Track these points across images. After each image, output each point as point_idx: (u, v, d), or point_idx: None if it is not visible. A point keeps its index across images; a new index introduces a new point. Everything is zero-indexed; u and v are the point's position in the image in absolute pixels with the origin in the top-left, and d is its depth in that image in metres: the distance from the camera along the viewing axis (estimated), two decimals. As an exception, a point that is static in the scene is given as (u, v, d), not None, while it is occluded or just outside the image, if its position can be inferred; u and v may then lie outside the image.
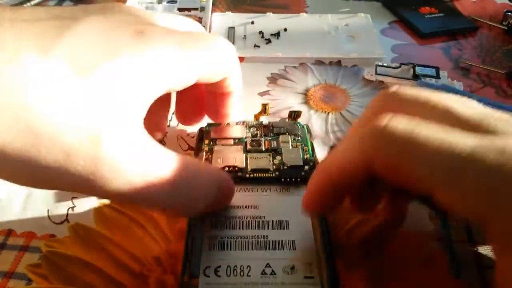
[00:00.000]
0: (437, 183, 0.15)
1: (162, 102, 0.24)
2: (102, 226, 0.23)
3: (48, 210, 0.25)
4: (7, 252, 0.23)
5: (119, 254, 0.22)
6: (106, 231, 0.23)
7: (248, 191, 0.23)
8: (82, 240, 0.23)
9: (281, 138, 0.25)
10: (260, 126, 0.27)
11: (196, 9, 0.43)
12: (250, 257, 0.19)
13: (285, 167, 0.23)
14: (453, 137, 0.15)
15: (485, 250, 0.22)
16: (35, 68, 0.14)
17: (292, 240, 0.20)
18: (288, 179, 0.23)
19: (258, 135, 0.26)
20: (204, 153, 0.24)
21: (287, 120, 0.28)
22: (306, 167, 0.23)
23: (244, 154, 0.24)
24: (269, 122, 0.27)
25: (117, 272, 0.21)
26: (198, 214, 0.20)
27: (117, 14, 0.18)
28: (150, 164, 0.17)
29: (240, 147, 0.25)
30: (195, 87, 0.21)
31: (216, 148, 0.25)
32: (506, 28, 0.42)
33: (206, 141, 0.25)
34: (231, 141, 0.25)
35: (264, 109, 0.28)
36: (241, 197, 0.22)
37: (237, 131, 0.26)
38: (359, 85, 0.35)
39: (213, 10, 0.44)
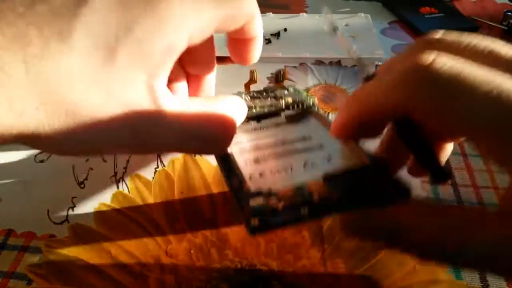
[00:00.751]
0: (483, 131, 0.14)
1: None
2: (102, 226, 0.23)
3: (48, 210, 0.25)
4: (7, 252, 0.23)
5: (119, 254, 0.22)
6: (106, 231, 0.23)
7: (261, 129, 0.23)
8: (82, 240, 0.23)
9: (277, 91, 0.26)
10: (254, 92, 0.27)
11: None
12: (287, 161, 0.20)
13: (288, 101, 0.25)
14: (503, 81, 0.13)
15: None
16: (63, 58, 0.15)
17: (319, 144, 0.21)
18: (295, 107, 0.24)
19: (255, 95, 0.26)
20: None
21: (272, 84, 0.28)
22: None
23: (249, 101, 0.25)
24: (261, 90, 0.27)
25: (117, 272, 0.21)
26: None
27: None
28: (188, 127, 0.18)
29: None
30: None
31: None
32: (506, 28, 0.42)
33: None
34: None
35: (253, 76, 0.28)
36: (256, 133, 0.23)
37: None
38: (359, 85, 0.35)
39: (213, 10, 0.44)
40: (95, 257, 0.22)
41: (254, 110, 0.24)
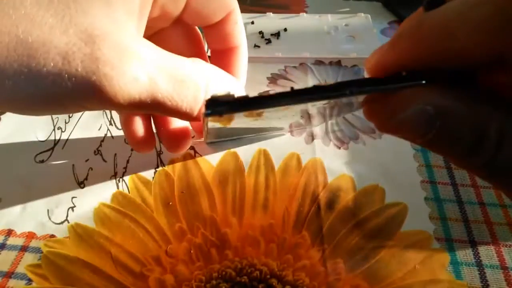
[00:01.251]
0: None
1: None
2: (102, 226, 0.23)
3: (48, 210, 0.25)
4: (7, 252, 0.23)
5: (119, 254, 0.22)
6: (106, 231, 0.23)
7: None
8: (82, 240, 0.23)
9: None
10: None
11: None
12: None
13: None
14: None
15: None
16: None
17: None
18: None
19: None
20: None
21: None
22: None
23: None
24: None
25: (117, 272, 0.21)
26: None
27: None
28: (155, 61, 0.17)
29: None
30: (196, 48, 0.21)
31: None
32: (506, 28, 0.42)
33: None
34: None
35: None
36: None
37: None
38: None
39: (213, 10, 0.44)
40: (95, 257, 0.22)
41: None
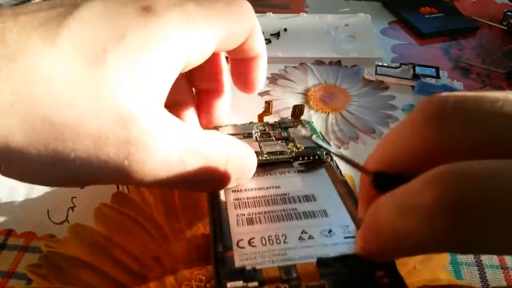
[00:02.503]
0: None
1: (183, 81, 0.24)
2: (102, 226, 0.23)
3: (48, 210, 0.25)
4: (7, 252, 0.23)
5: (119, 254, 0.22)
6: (106, 231, 0.23)
7: (266, 175, 0.22)
8: (82, 240, 0.23)
9: (290, 130, 0.25)
10: (267, 124, 0.26)
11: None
12: (284, 227, 0.18)
13: (300, 149, 0.23)
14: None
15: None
16: (42, 60, 0.14)
17: (323, 210, 0.19)
18: (306, 158, 0.22)
19: (267, 130, 0.26)
20: None
21: (290, 117, 0.28)
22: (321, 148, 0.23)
23: (257, 143, 0.24)
24: (275, 122, 0.27)
25: (117, 272, 0.21)
26: (225, 187, 0.20)
27: None
28: (183, 141, 0.17)
29: (251, 138, 0.24)
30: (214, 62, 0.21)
31: None
32: (506, 28, 0.42)
33: None
34: (241, 136, 0.25)
35: (268, 107, 0.28)
36: (260, 180, 0.22)
37: (246, 128, 0.25)
38: (359, 85, 0.35)
39: (213, 10, 0.44)
40: (95, 257, 0.22)
41: (261, 157, 0.22)
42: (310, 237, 0.18)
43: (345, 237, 0.18)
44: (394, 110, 0.32)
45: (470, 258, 0.22)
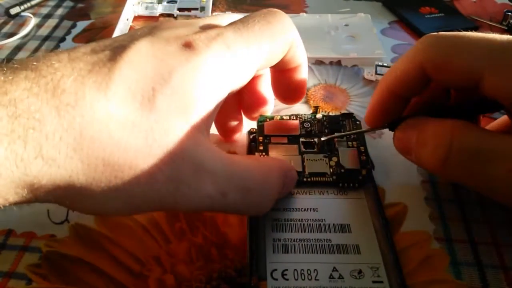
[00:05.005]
0: (483, 69, 0.18)
1: (231, 103, 0.25)
2: (102, 226, 0.23)
3: (48, 210, 0.25)
4: (7, 252, 0.23)
5: (119, 254, 0.22)
6: (106, 231, 0.23)
7: (306, 194, 0.23)
8: (82, 240, 0.23)
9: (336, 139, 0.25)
10: (314, 121, 0.26)
11: (196, 9, 0.43)
12: (316, 260, 0.19)
13: (342, 170, 0.23)
14: (490, 35, 0.19)
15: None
16: (98, 105, 0.14)
17: (356, 245, 0.20)
18: (345, 185, 0.23)
19: (312, 131, 0.26)
20: (258, 154, 0.24)
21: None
22: (364, 171, 0.23)
23: (300, 156, 0.24)
24: (323, 116, 0.27)
25: (117, 272, 0.21)
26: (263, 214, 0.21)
27: (165, 31, 0.18)
28: (227, 178, 0.18)
29: (295, 146, 0.25)
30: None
31: (271, 148, 0.24)
32: (506, 28, 0.42)
33: (260, 138, 0.25)
34: (286, 139, 0.25)
35: (316, 111, 0.28)
36: (299, 200, 0.22)
37: (291, 128, 0.26)
38: (359, 85, 0.35)
39: (213, 10, 0.44)
40: (95, 257, 0.22)
41: (302, 178, 0.23)
42: (340, 277, 0.19)
43: (373, 281, 0.19)
44: (394, 110, 0.32)
45: (470, 258, 0.22)
